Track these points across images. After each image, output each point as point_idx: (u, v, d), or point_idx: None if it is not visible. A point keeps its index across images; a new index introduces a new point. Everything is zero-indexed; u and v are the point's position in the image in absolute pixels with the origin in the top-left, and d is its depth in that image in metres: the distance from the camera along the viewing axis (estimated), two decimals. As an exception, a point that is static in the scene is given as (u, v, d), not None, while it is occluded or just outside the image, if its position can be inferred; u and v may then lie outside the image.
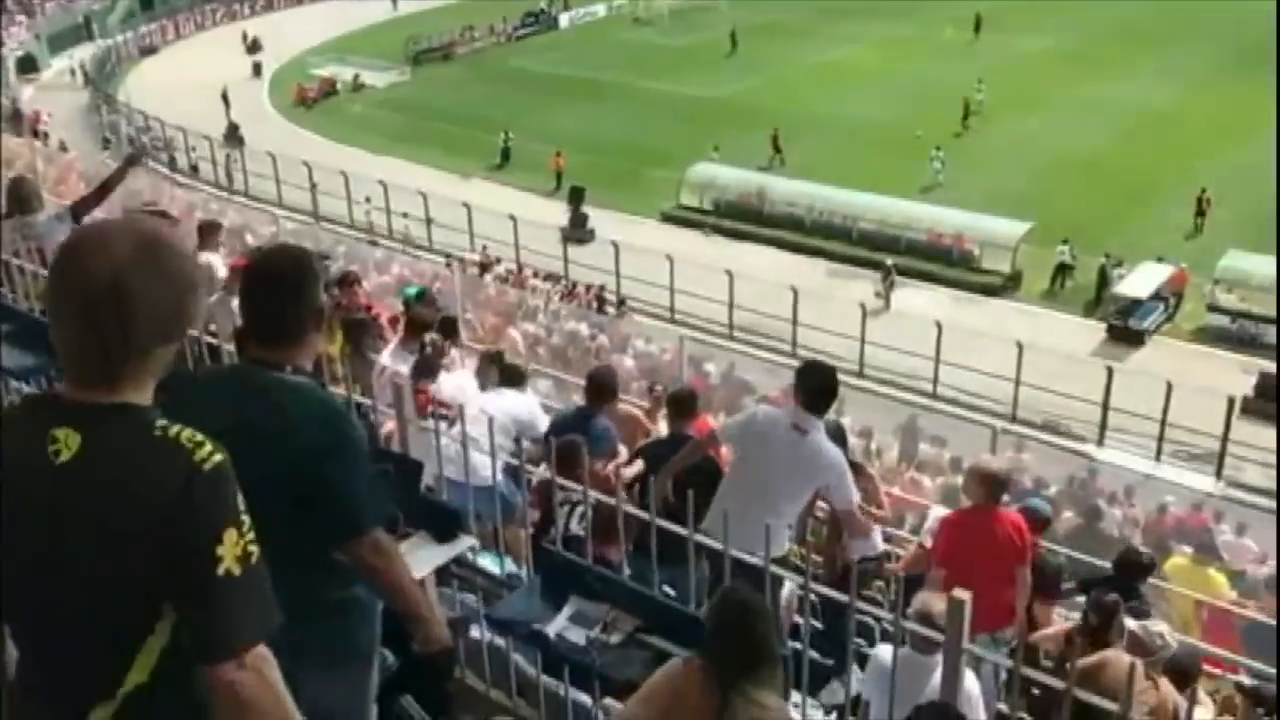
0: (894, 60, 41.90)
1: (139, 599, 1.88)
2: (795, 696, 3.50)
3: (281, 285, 2.76)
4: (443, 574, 3.76)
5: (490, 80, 42.75)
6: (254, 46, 46.78)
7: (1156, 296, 23.30)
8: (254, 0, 55.56)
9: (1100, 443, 18.68)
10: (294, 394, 2.68)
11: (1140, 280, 23.48)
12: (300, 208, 28.96)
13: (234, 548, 1.85)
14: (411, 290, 9.38)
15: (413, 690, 3.16)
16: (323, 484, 2.64)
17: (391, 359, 6.84)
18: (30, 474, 1.86)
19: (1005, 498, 6.14)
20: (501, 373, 6.63)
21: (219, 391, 2.77)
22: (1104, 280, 24.09)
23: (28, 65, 44.93)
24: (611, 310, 22.94)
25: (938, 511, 7.23)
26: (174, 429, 1.89)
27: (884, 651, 4.04)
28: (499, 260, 25.25)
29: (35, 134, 32.69)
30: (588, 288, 23.85)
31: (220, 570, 1.84)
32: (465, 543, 3.47)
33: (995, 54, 41.52)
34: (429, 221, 27.32)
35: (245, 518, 1.89)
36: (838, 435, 5.60)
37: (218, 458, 1.87)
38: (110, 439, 1.87)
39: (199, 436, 1.89)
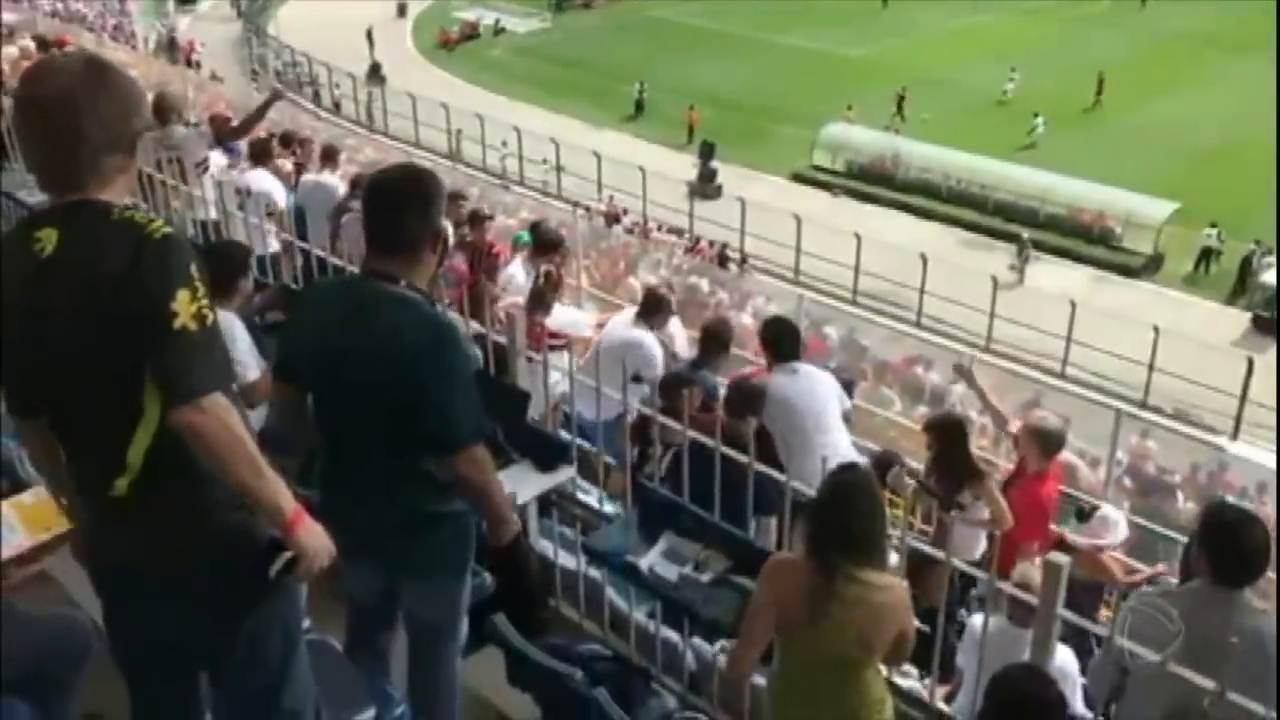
0: (1039, 27, 40.33)
1: (124, 368, 2.14)
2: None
3: (400, 198, 2.84)
4: (543, 504, 3.83)
5: (629, 30, 42.60)
6: (401, -13, 47.46)
7: (1307, 286, 22.12)
8: (404, -59, 56.22)
9: (1234, 436, 17.90)
10: (402, 307, 2.76)
11: (1286, 270, 22.32)
12: (436, 148, 29.45)
13: (188, 306, 2.10)
14: (524, 234, 9.44)
15: (507, 611, 3.23)
16: (423, 397, 2.72)
17: (515, 274, 7.18)
18: (22, 272, 2.16)
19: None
20: (644, 302, 6.58)
21: (333, 299, 2.90)
22: (1247, 268, 22.96)
23: (187, -3, 46.42)
24: (734, 267, 22.81)
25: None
26: (130, 211, 2.19)
27: (980, 621, 3.98)
28: (626, 211, 25.29)
29: (188, 63, 33.92)
30: (711, 244, 23.74)
31: (176, 324, 2.09)
32: (565, 473, 3.52)
33: (1151, 28, 39.65)
34: (559, 169, 27.51)
35: (199, 284, 2.14)
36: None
37: (167, 230, 2.15)
38: (80, 229, 2.16)
39: (150, 216, 2.18)
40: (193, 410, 2.09)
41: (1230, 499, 13.00)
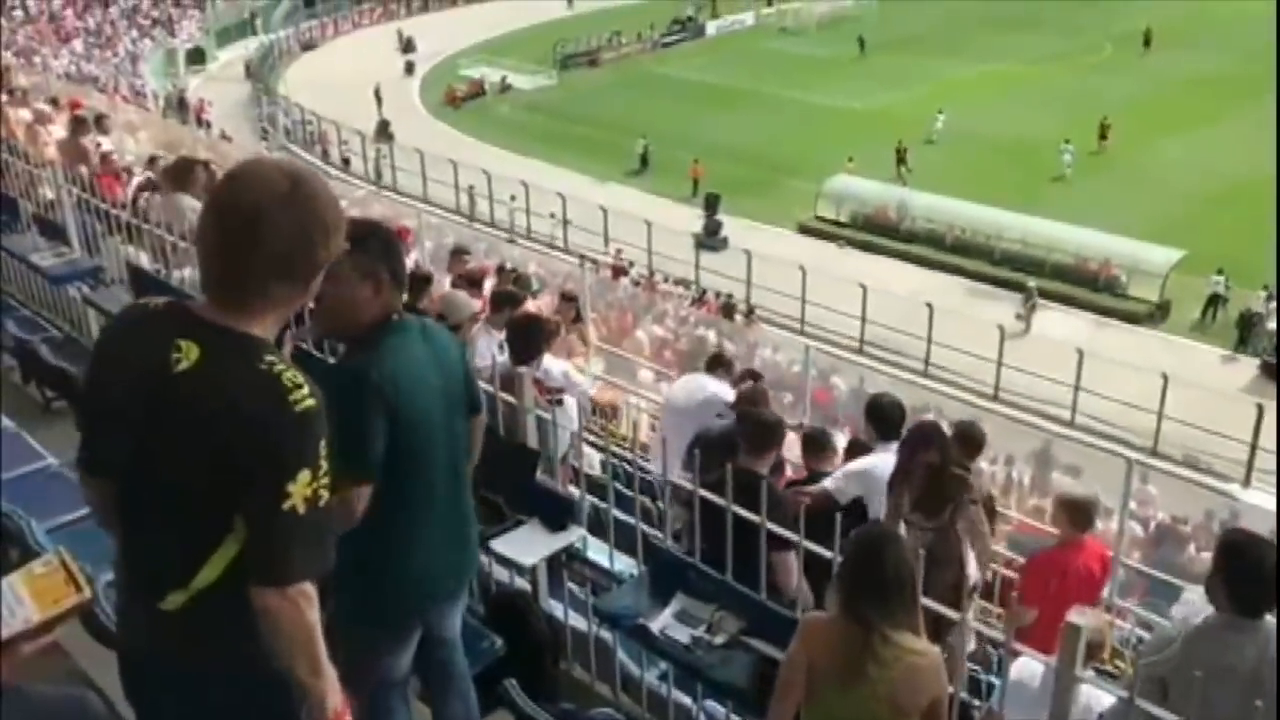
0: (1045, 77, 40.72)
1: (215, 506, 2.05)
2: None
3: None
4: (553, 564, 3.80)
5: (634, 86, 43.08)
6: (408, 46, 48.14)
7: (1316, 333, 22.08)
8: (410, 1, 57.19)
9: (1246, 483, 17.77)
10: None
11: (1299, 317, 22.29)
12: (444, 204, 29.68)
13: (305, 489, 2.01)
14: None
15: (517, 674, 3.19)
16: None
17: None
18: (151, 372, 2.06)
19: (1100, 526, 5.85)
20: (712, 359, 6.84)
21: None
22: (1249, 319, 22.87)
23: (196, 57, 47.12)
24: (740, 319, 22.84)
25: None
26: (279, 366, 2.06)
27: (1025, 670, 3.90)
28: (632, 264, 25.40)
29: (199, 122, 34.34)
30: (717, 295, 23.80)
31: (285, 505, 2.00)
32: (575, 533, 3.49)
33: (1154, 74, 40.04)
34: (565, 223, 27.69)
35: (325, 463, 2.05)
36: None
37: (310, 402, 2.03)
38: (223, 360, 2.05)
39: (300, 379, 2.05)
40: (277, 596, 2.04)
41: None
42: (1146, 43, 44.22)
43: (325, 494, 2.05)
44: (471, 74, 44.58)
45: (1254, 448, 17.72)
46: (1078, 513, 5.52)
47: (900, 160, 32.57)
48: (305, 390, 2.03)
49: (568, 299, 10.56)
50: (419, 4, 57.18)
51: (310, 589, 2.08)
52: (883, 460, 5.11)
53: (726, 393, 6.28)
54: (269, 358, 2.06)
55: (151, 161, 12.16)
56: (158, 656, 2.22)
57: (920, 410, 16.48)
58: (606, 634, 3.72)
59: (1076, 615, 2.64)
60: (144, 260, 6.21)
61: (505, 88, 43.48)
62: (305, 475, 2.00)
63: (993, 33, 46.45)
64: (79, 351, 5.96)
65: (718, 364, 6.55)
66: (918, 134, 34.30)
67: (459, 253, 10.35)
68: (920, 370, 21.42)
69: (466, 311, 4.94)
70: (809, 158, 32.68)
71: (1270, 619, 3.16)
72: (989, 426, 16.22)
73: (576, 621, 3.80)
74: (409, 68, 46.21)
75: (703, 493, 3.32)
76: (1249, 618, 3.17)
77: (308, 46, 50.60)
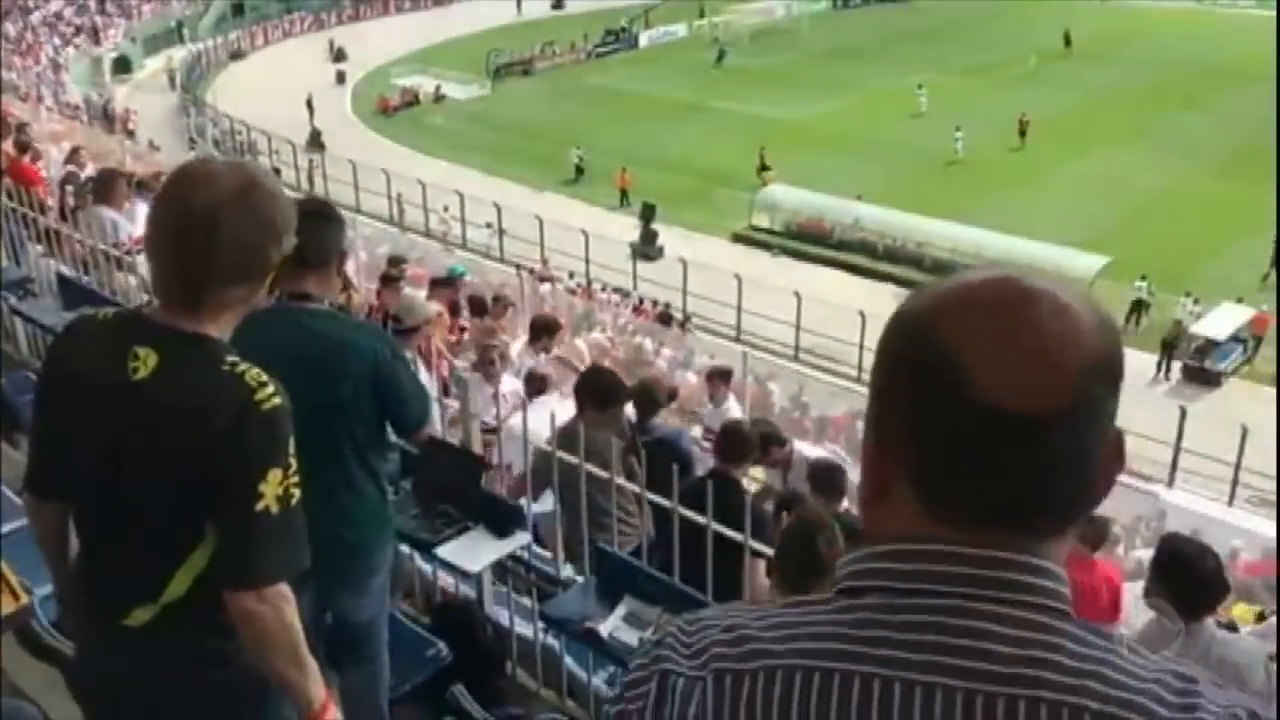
0: (971, 87, 41.53)
1: (185, 515, 2.02)
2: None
3: (312, 216, 2.91)
4: (498, 570, 3.80)
5: (568, 96, 43.09)
6: (339, 55, 47.70)
7: (1235, 338, 22.75)
8: (341, 10, 56.69)
9: (1170, 484, 18.23)
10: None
11: (1219, 321, 22.93)
12: (378, 214, 29.44)
13: (276, 487, 1.97)
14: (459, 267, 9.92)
15: (464, 682, 3.19)
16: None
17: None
18: (108, 383, 2.02)
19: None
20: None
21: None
22: (1172, 344, 23.40)
23: (122, 66, 46.24)
24: (677, 327, 22.94)
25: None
26: (241, 366, 2.02)
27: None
28: (572, 274, 25.36)
29: (125, 131, 33.67)
30: (654, 304, 23.88)
31: (258, 506, 1.96)
32: (520, 539, 3.50)
33: (1079, 85, 41.05)
34: (501, 233, 27.60)
35: (293, 460, 2.01)
36: None
37: (276, 400, 2.00)
38: (183, 364, 2.01)
39: (264, 378, 2.01)
40: (253, 598, 2.00)
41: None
42: (1067, 42, 46.12)
43: (296, 492, 2.02)
44: (404, 83, 44.27)
45: (1177, 449, 18.18)
46: (1089, 532, 5.54)
47: (763, 168, 33.19)
48: (270, 388, 2.00)
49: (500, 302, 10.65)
50: (350, 13, 56.68)
51: (286, 589, 2.04)
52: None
53: None
54: (230, 358, 2.03)
55: (74, 153, 11.93)
56: (120, 674, 2.17)
57: (855, 414, 16.73)
58: (553, 640, 3.72)
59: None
60: (64, 270, 6.11)
61: (439, 97, 43.24)
62: (276, 474, 1.97)
63: (922, 44, 47.24)
64: (6, 364, 5.82)
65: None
66: (847, 142, 34.82)
67: (395, 262, 10.31)
68: (854, 377, 21.66)
69: (424, 314, 4.89)
70: (743, 167, 32.95)
71: (1210, 621, 3.24)
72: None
73: (522, 628, 3.80)
74: (340, 77, 45.76)
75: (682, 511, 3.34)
76: (1191, 620, 3.24)
77: (236, 55, 49.91)
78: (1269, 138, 34.40)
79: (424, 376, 4.20)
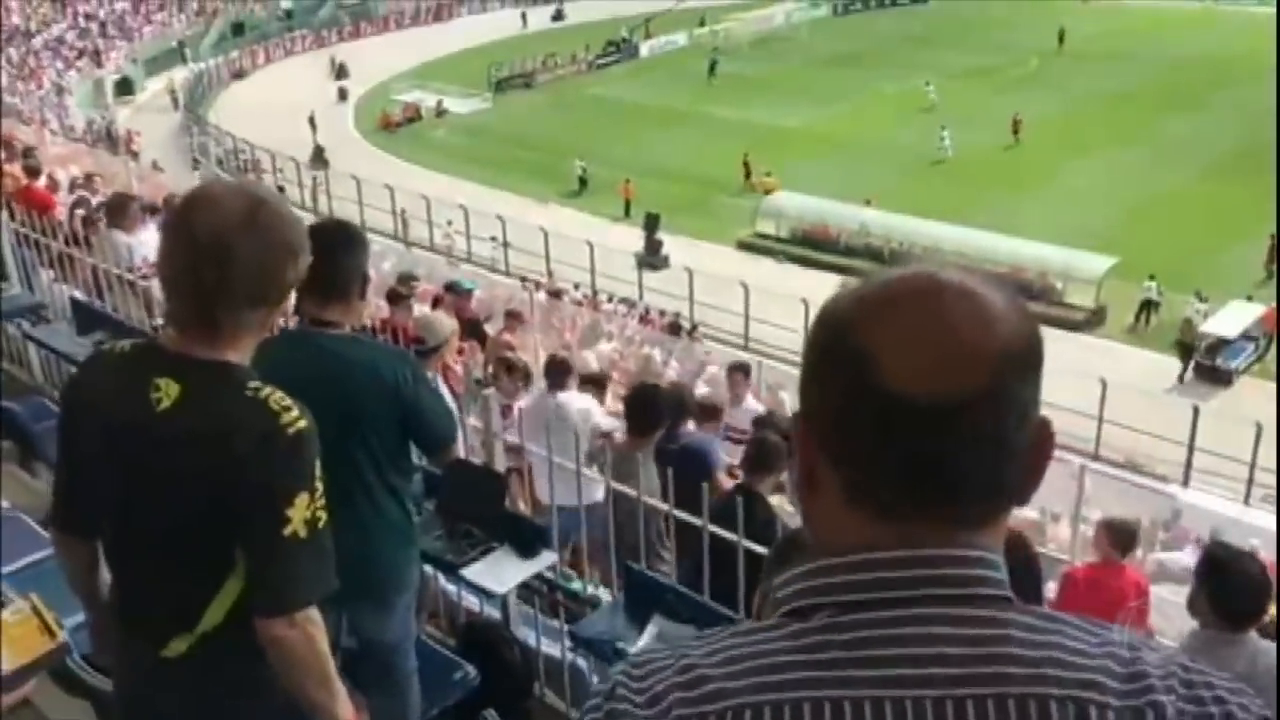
0: (972, 90, 41.52)
1: (215, 544, 2.00)
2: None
3: (334, 244, 2.90)
4: (523, 589, 3.77)
5: (570, 108, 43.15)
6: (340, 72, 47.79)
7: (1246, 336, 22.66)
8: (341, 28, 56.84)
9: (1185, 483, 18.13)
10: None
11: (1229, 319, 22.85)
12: (382, 230, 29.44)
13: (303, 511, 1.96)
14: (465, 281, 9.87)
15: (493, 704, 3.15)
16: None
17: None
18: (132, 416, 2.00)
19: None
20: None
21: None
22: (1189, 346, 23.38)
23: (124, 88, 46.40)
24: (685, 336, 22.90)
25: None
26: (265, 390, 2.01)
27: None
28: (578, 286, 25.34)
29: (129, 153, 33.76)
30: (661, 313, 23.85)
31: (286, 531, 1.95)
32: (547, 559, 3.46)
33: (1081, 87, 41.05)
34: (506, 246, 27.60)
35: (320, 484, 2.00)
36: None
37: (302, 424, 1.98)
38: (206, 392, 2.00)
39: (287, 401, 2.00)
40: (284, 624, 1.99)
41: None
42: (1061, 40, 46.74)
43: (323, 515, 2.00)
44: (406, 99, 44.36)
45: (1191, 448, 18.10)
46: (1120, 535, 5.53)
47: (747, 174, 33.32)
48: (295, 411, 1.99)
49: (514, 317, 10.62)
50: (350, 30, 56.81)
51: (316, 613, 2.03)
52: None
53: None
54: (252, 383, 2.01)
55: (89, 179, 11.96)
56: (160, 706, 2.16)
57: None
58: (581, 660, 3.69)
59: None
60: (77, 294, 6.10)
61: (441, 112, 43.31)
62: (304, 498, 1.96)
63: (922, 49, 47.27)
64: (20, 389, 5.81)
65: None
66: (849, 147, 34.86)
67: (405, 279, 10.29)
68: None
69: (445, 333, 4.85)
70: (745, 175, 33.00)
71: (1254, 633, 3.19)
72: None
73: (550, 648, 3.76)
74: (342, 94, 45.86)
75: (705, 525, 3.31)
76: (1234, 631, 3.19)
77: (238, 75, 50.03)
78: (1270, 134, 34.48)
79: (447, 395, 4.17)
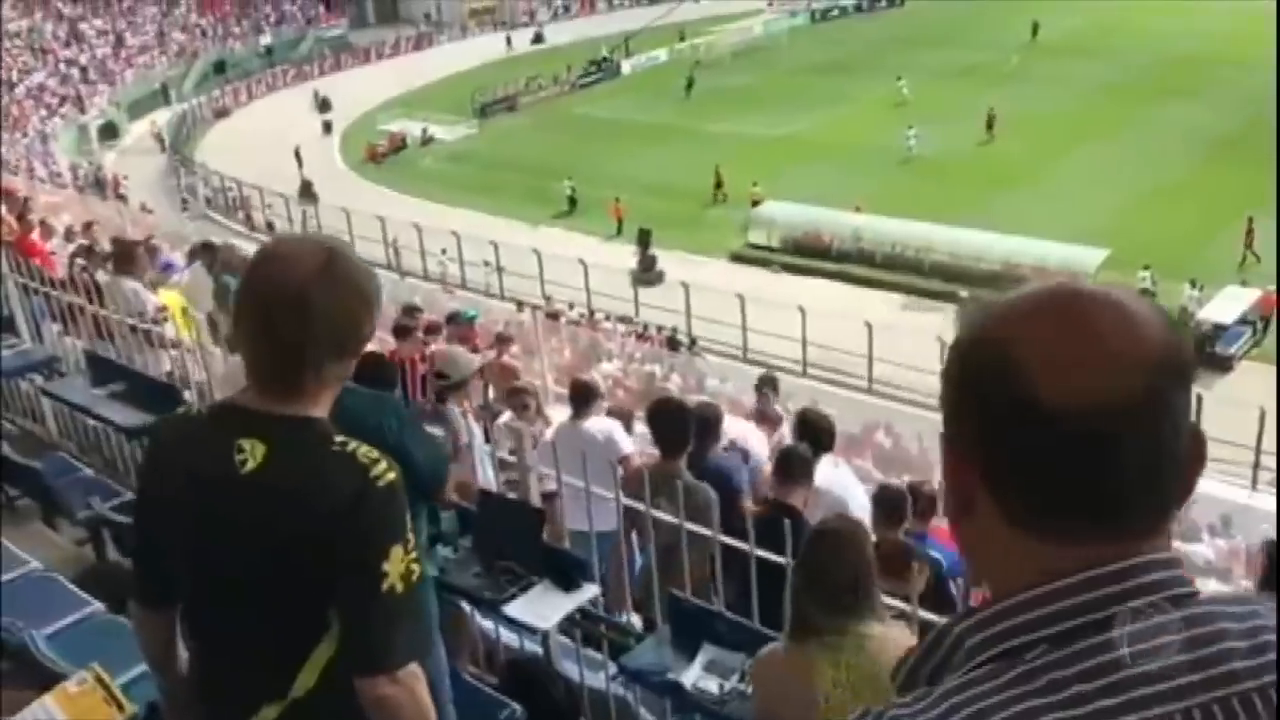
0: (953, 90, 41.70)
1: (308, 606, 1.96)
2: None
3: None
4: (564, 623, 3.74)
5: (556, 129, 43.22)
6: (324, 105, 47.85)
7: (1243, 321, 22.70)
8: (322, 61, 56.96)
9: (1194, 472, 18.11)
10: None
11: (1224, 305, 22.90)
12: (375, 261, 29.40)
13: (399, 564, 1.92)
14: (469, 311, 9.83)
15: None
16: None
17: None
18: (216, 480, 1.95)
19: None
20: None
21: None
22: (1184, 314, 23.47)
23: (109, 132, 46.43)
24: (684, 351, 22.89)
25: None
26: (351, 444, 1.97)
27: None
28: (573, 305, 25.36)
29: (117, 196, 33.76)
30: (659, 329, 23.85)
31: (384, 586, 1.91)
32: (589, 591, 3.44)
33: (1061, 80, 41.27)
34: (500, 270, 27.59)
35: (412, 536, 1.97)
36: None
37: (391, 476, 1.95)
38: (293, 451, 1.95)
39: (374, 453, 1.96)
40: (387, 682, 1.94)
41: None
42: (1034, 33, 47.63)
43: (417, 567, 1.96)
44: (390, 129, 44.42)
45: (1197, 436, 18.08)
46: None
47: (718, 185, 33.57)
48: (384, 464, 1.95)
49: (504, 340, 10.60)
50: (331, 63, 56.94)
51: (417, 668, 1.99)
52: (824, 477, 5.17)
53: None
54: (338, 438, 1.98)
55: (87, 228, 11.95)
56: None
57: (872, 428, 16.65)
58: (624, 691, 3.66)
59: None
60: (80, 347, 6.06)
61: (427, 139, 43.36)
62: (398, 551, 1.92)
63: (902, 53, 47.42)
64: (37, 446, 5.79)
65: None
66: (834, 155, 35.01)
67: (410, 311, 10.27)
68: (864, 388, 21.62)
69: (469, 369, 4.81)
70: (735, 186, 33.02)
71: None
72: (936, 437, 16.43)
73: (593, 681, 3.73)
74: (327, 127, 45.91)
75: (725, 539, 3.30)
76: None
77: (222, 113, 50.09)
78: (1251, 122, 34.65)
79: (476, 431, 4.15)
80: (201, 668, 2.15)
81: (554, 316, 24.45)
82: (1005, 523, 0.99)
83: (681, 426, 4.84)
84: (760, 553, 3.19)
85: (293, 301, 1.92)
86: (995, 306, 1.03)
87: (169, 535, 2.05)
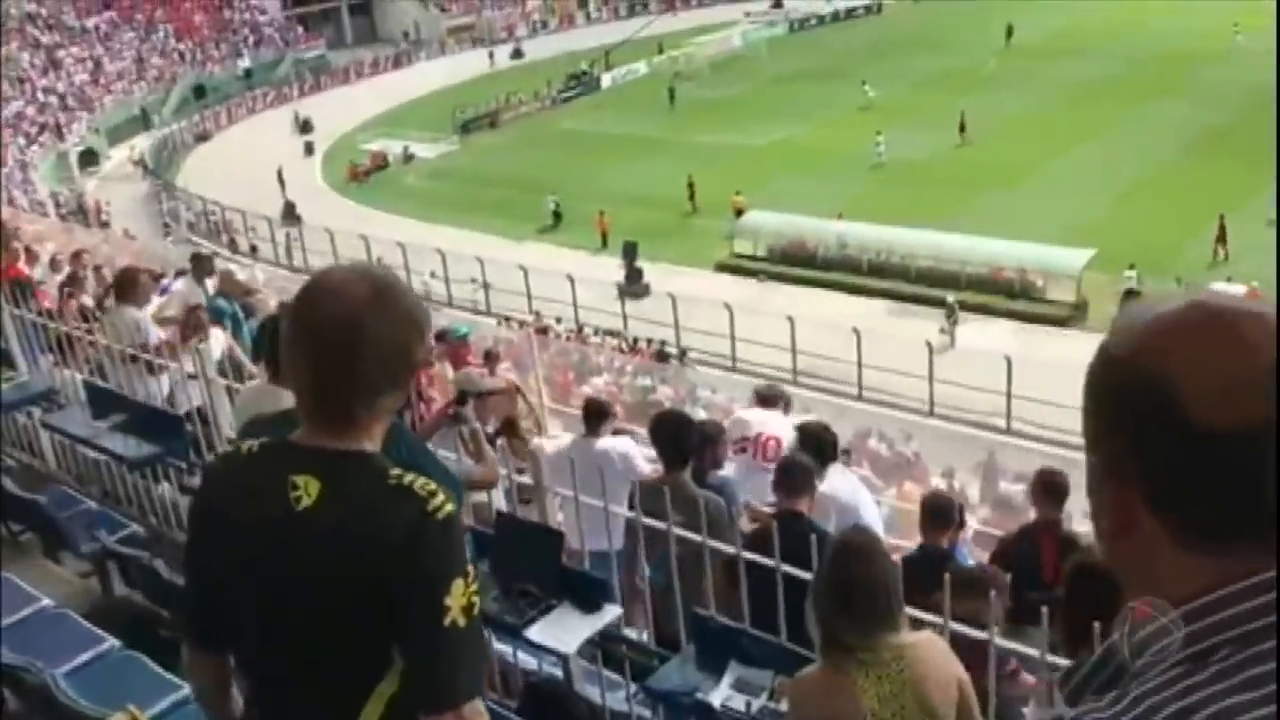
0: (931, 96, 41.91)
1: (369, 644, 1.91)
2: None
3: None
4: (583, 645, 3.71)
5: (538, 144, 43.26)
6: (305, 127, 47.79)
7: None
8: (302, 82, 56.91)
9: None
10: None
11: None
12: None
13: (460, 598, 1.87)
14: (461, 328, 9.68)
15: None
16: None
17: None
18: (271, 519, 1.91)
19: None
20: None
21: None
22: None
23: (89, 158, 46.26)
24: (675, 362, 22.89)
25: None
26: (408, 477, 1.92)
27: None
28: (560, 320, 25.36)
29: (99, 223, 33.65)
30: (648, 342, 23.85)
31: (447, 620, 1.86)
32: (611, 613, 3.42)
33: (1043, 83, 41.58)
34: (486, 286, 27.55)
35: (471, 569, 1.92)
36: None
37: (449, 508, 1.90)
38: (349, 486, 1.91)
39: (431, 485, 1.92)
40: (451, 718, 1.89)
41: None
42: (1008, 36, 48.31)
43: (477, 599, 1.91)
44: (372, 148, 44.38)
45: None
46: None
47: (691, 196, 33.89)
48: (441, 496, 1.90)
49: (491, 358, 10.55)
50: (311, 84, 56.90)
51: (480, 704, 1.94)
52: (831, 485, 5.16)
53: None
54: (394, 471, 1.93)
55: (76, 256, 11.90)
56: None
57: (863, 435, 16.66)
58: (647, 711, 3.63)
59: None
60: (78, 378, 6.01)
61: (409, 158, 43.35)
62: (459, 584, 1.87)
63: (880, 60, 47.71)
64: (37, 479, 5.74)
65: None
66: (815, 164, 35.19)
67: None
68: (854, 395, 21.63)
69: (483, 384, 4.77)
70: (718, 197, 33.08)
71: None
72: (930, 442, 16.37)
73: (615, 703, 3.71)
74: (308, 148, 45.84)
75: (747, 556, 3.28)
76: None
77: (202, 137, 50.00)
78: (1233, 117, 34.95)
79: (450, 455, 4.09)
80: (259, 709, 2.10)
81: (543, 332, 24.44)
82: (1172, 541, 1.01)
83: (685, 439, 4.81)
84: (787, 568, 3.16)
85: (343, 333, 1.88)
86: (1141, 325, 1.03)
87: (223, 576, 2.01)
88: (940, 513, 5.07)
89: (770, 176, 34.62)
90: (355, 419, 1.94)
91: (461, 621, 1.87)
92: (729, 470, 5.69)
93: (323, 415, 1.94)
